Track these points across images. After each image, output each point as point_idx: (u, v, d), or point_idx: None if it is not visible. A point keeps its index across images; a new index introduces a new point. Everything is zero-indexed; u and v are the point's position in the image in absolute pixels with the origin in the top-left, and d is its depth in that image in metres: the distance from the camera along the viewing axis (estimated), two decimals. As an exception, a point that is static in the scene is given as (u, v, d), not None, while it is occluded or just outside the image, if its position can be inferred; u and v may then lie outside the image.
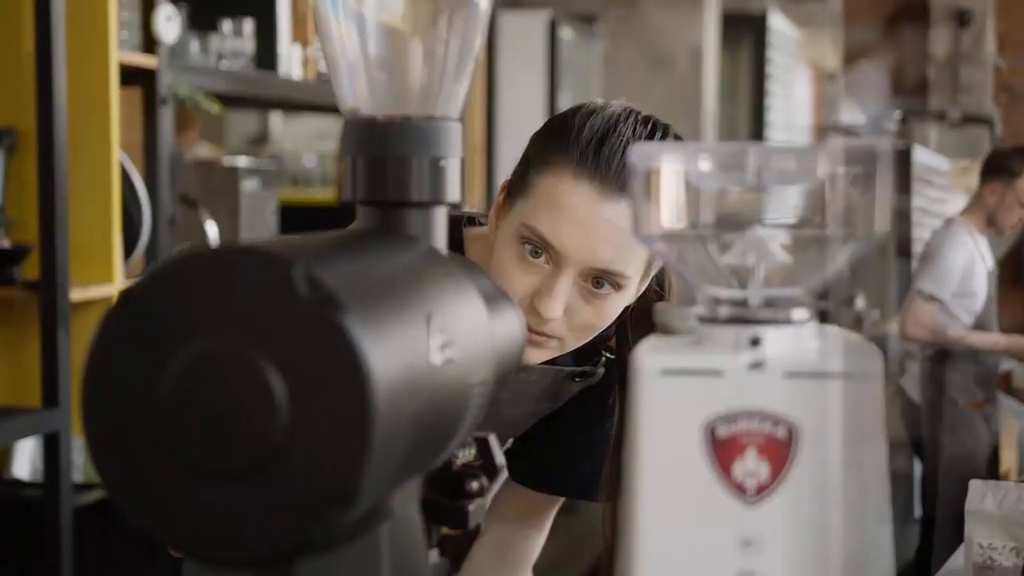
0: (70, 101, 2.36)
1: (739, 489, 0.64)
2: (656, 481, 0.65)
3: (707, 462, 0.64)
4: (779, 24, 7.84)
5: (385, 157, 0.75)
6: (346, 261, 0.63)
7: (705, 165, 0.66)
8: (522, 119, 5.01)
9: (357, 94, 0.77)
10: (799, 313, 0.66)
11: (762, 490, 0.64)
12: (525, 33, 5.86)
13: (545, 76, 5.71)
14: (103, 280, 2.47)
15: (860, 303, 6.38)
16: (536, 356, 1.28)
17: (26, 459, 2.70)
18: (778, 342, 0.65)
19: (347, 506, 0.57)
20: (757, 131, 7.90)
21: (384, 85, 0.77)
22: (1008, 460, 4.66)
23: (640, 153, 0.66)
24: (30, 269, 2.40)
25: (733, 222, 0.68)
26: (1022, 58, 9.87)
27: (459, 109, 0.78)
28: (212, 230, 3.03)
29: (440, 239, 0.77)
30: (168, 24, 2.57)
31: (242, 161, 3.24)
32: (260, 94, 3.45)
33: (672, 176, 0.66)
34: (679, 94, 5.96)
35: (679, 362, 0.65)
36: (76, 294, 2.38)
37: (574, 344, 1.29)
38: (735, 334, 0.65)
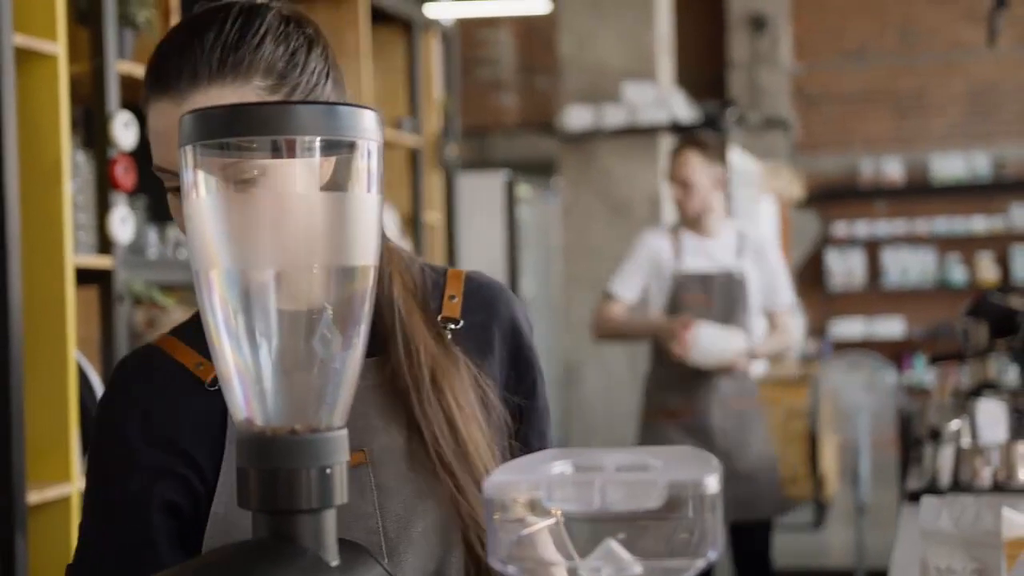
0: (26, 305, 2.41)
1: None
2: None
3: None
4: (739, 160, 7.99)
5: (275, 469, 0.81)
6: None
7: (557, 494, 0.72)
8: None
9: (249, 407, 0.83)
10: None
11: None
12: (484, 192, 6.01)
13: (504, 232, 5.85)
14: (60, 479, 2.50)
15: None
16: None
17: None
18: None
19: None
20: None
21: (273, 400, 0.83)
22: None
23: (493, 485, 0.72)
24: (-14, 473, 2.42)
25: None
26: (817, 63, 10.11)
27: (344, 417, 0.84)
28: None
29: (328, 537, 0.83)
30: (123, 225, 2.65)
31: (202, 343, 3.26)
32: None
33: (523, 503, 0.72)
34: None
35: None
36: (33, 496, 2.41)
37: None
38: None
